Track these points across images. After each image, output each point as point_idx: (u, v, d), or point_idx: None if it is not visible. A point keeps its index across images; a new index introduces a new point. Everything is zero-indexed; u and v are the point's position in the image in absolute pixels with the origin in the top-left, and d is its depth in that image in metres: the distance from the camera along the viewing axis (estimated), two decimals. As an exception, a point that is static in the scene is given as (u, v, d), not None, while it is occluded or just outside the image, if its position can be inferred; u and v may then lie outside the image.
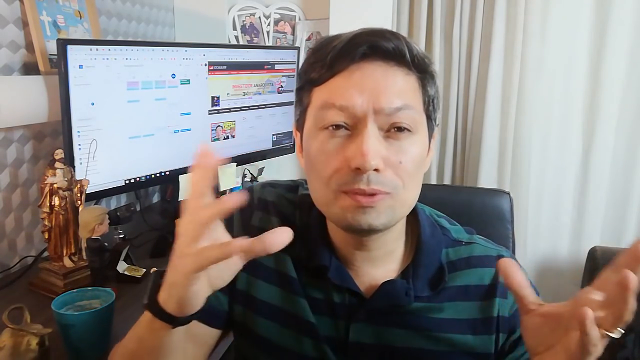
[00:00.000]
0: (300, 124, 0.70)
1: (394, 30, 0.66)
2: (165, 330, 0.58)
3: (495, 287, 0.71)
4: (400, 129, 0.62)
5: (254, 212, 0.76)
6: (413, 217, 0.73)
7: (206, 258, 0.50)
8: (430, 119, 0.67)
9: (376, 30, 0.63)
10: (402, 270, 0.71)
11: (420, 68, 0.65)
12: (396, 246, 0.73)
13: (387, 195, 0.61)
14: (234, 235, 0.72)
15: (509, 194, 1.12)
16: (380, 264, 0.72)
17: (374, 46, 0.62)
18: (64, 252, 1.18)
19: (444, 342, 0.69)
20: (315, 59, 0.65)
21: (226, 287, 0.69)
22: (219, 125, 1.70)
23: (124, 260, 1.28)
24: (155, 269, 0.62)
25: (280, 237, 0.47)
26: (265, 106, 1.86)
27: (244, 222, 0.76)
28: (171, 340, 0.61)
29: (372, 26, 0.65)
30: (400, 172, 0.62)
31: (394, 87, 0.62)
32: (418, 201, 0.72)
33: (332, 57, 0.63)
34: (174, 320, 0.56)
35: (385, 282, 0.69)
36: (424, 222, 0.73)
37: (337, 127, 0.62)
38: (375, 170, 0.60)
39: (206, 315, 0.71)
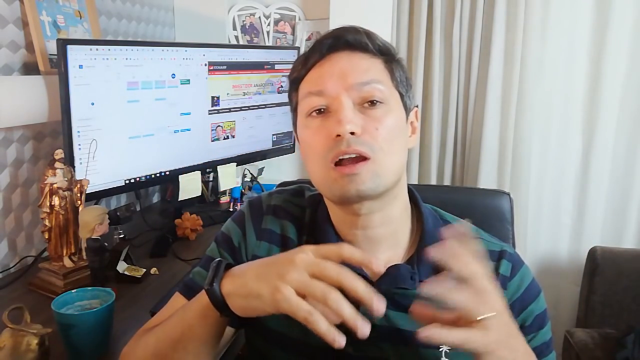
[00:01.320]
0: (295, 123, 0.78)
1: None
2: (218, 321, 0.65)
3: (496, 279, 0.73)
4: (372, 103, 0.70)
5: (264, 217, 0.81)
6: (417, 210, 0.79)
7: (300, 316, 0.56)
8: (403, 95, 0.74)
9: (341, 27, 0.73)
10: (407, 258, 0.76)
11: (384, 53, 0.73)
12: (399, 229, 0.76)
13: (369, 160, 0.67)
14: (246, 240, 0.79)
15: (509, 194, 1.11)
16: (385, 247, 0.75)
17: (336, 37, 0.72)
18: (64, 252, 1.18)
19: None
20: (295, 63, 0.76)
21: None
22: (219, 125, 1.70)
23: (124, 260, 1.28)
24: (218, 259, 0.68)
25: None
26: (265, 106, 1.86)
27: (255, 226, 0.81)
28: (218, 332, 0.68)
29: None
30: (378, 137, 0.68)
31: (360, 67, 0.71)
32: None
33: (305, 56, 0.74)
34: (231, 316, 0.63)
35: (391, 266, 0.73)
36: (427, 213, 0.78)
37: (319, 111, 0.71)
38: (352, 134, 0.67)
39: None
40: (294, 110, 0.77)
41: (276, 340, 0.76)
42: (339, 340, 0.54)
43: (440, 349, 0.71)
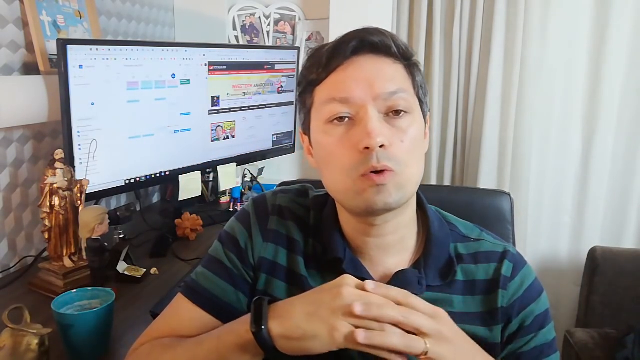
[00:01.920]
0: (306, 126, 0.75)
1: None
2: (258, 355, 0.64)
3: (497, 280, 0.73)
4: (397, 112, 0.68)
5: (270, 217, 0.80)
6: (423, 213, 0.78)
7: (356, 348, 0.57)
8: (422, 102, 0.73)
9: (363, 28, 0.70)
10: (414, 262, 0.75)
11: (406, 57, 0.71)
12: (407, 234, 0.76)
13: (393, 172, 0.66)
14: (252, 241, 0.77)
15: (509, 194, 1.11)
16: (393, 252, 0.75)
17: (362, 40, 0.69)
18: (64, 252, 1.18)
19: None
20: (312, 62, 0.72)
21: (248, 289, 0.77)
22: (219, 125, 1.70)
23: (124, 260, 1.28)
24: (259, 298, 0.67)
25: None
26: (265, 106, 1.86)
27: (261, 227, 0.79)
28: None
29: (370, 26, 0.71)
30: (402, 149, 0.67)
31: (386, 75, 0.68)
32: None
33: (327, 57, 0.69)
34: (274, 351, 0.62)
35: (399, 271, 0.72)
36: (433, 217, 0.77)
37: (341, 118, 0.68)
38: (382, 147, 0.65)
39: (229, 317, 0.74)
40: (308, 113, 0.74)
41: None
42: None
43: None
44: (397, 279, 0.72)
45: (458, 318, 0.70)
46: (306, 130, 0.75)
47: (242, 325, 0.64)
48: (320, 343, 0.59)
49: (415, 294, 0.70)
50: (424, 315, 0.60)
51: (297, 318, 0.61)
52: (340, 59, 0.69)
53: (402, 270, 0.73)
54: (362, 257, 0.75)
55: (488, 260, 0.75)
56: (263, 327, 0.61)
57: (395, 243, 0.74)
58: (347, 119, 0.68)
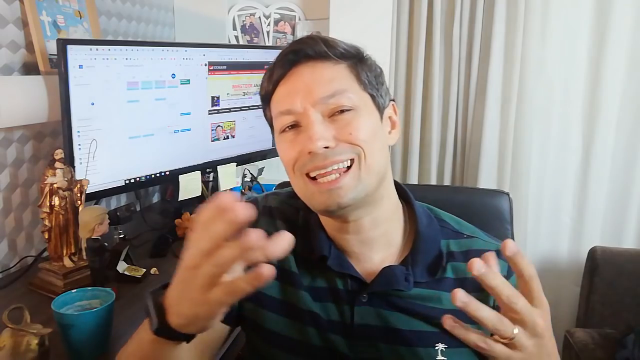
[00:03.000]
0: (274, 137, 0.79)
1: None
2: (177, 345, 0.59)
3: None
4: (342, 111, 0.70)
5: (260, 218, 0.82)
6: (410, 210, 0.79)
7: (240, 291, 0.48)
8: (374, 96, 0.74)
9: (299, 40, 0.74)
10: (401, 259, 0.75)
11: (347, 57, 0.73)
12: (390, 229, 0.76)
13: (351, 166, 0.68)
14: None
15: (508, 194, 1.12)
16: (378, 248, 0.75)
17: (296, 52, 0.72)
18: (64, 252, 1.18)
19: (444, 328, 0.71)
20: (263, 79, 0.77)
21: None
22: (219, 125, 1.70)
23: (124, 260, 1.28)
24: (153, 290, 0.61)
25: (280, 243, 0.48)
26: (265, 106, 1.86)
27: (251, 227, 0.78)
28: (182, 351, 0.62)
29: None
30: (354, 141, 0.69)
31: (323, 79, 0.71)
32: (417, 201, 0.78)
33: (269, 73, 0.75)
34: (188, 338, 0.58)
35: (385, 267, 0.73)
36: (420, 213, 0.78)
37: (291, 127, 0.72)
38: (326, 147, 0.68)
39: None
40: (271, 126, 0.78)
41: (275, 341, 0.77)
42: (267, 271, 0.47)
43: (437, 348, 0.72)
44: (384, 275, 0.73)
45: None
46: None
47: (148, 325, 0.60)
48: (202, 321, 0.54)
49: (402, 291, 0.72)
50: (526, 303, 0.55)
51: (182, 306, 0.54)
52: (280, 71, 0.73)
53: (389, 266, 0.74)
54: (348, 255, 0.76)
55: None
56: (156, 327, 0.56)
57: (378, 238, 0.75)
58: (295, 127, 0.72)
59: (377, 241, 0.75)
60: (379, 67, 0.78)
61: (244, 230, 0.47)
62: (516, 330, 0.54)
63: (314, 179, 0.70)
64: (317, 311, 0.75)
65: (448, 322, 0.54)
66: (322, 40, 0.73)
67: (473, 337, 0.54)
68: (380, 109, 0.75)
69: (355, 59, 0.74)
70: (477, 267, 0.52)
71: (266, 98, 0.77)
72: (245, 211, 0.47)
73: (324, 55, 0.72)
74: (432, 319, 0.72)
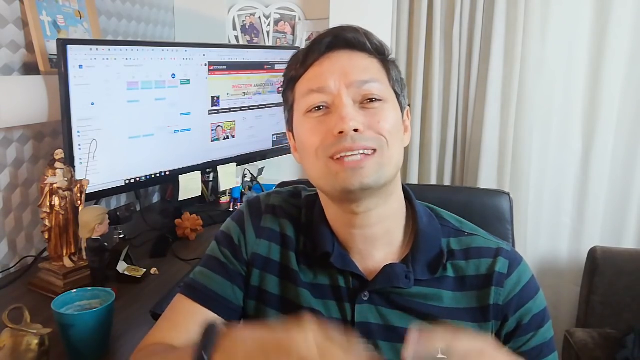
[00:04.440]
0: (290, 123, 0.78)
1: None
2: None
3: (491, 276, 0.73)
4: (372, 100, 0.71)
5: (263, 216, 0.82)
6: (411, 208, 0.79)
7: None
8: (398, 95, 0.75)
9: (339, 26, 0.74)
10: (402, 257, 0.76)
11: (380, 52, 0.74)
12: (393, 227, 0.76)
13: (374, 153, 0.68)
14: (245, 237, 0.79)
15: (508, 194, 1.11)
16: (380, 245, 0.76)
17: (336, 37, 0.72)
18: (64, 252, 1.18)
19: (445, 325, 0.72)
20: (292, 61, 0.76)
21: (242, 283, 0.78)
22: (219, 125, 1.70)
23: (124, 260, 1.28)
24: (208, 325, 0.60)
25: None
26: (265, 106, 1.86)
27: (254, 225, 0.81)
28: None
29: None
30: (381, 130, 0.70)
31: (360, 66, 0.72)
32: (418, 200, 0.79)
33: (304, 54, 0.74)
34: None
35: (387, 265, 0.74)
36: (421, 212, 0.79)
37: (318, 108, 0.71)
38: (356, 130, 0.68)
39: (227, 311, 0.78)
40: (290, 109, 0.77)
41: None
42: None
43: (437, 346, 0.72)
44: (385, 273, 0.73)
45: (447, 313, 0.73)
46: (290, 127, 0.78)
47: (191, 350, 0.59)
48: None
49: (402, 288, 0.72)
50: None
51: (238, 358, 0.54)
52: (316, 54, 0.72)
53: (390, 264, 0.74)
54: (350, 252, 0.76)
55: (480, 256, 0.75)
56: (205, 354, 0.56)
57: (382, 235, 0.75)
58: (323, 108, 0.71)
59: (380, 238, 0.76)
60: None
61: None
62: None
63: (335, 160, 0.69)
64: (318, 308, 0.75)
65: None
66: (362, 31, 0.74)
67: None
68: (402, 109, 0.76)
69: (385, 57, 0.75)
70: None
71: (294, 79, 0.75)
72: None
73: (361, 45, 0.73)
74: (433, 317, 0.72)
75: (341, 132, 0.67)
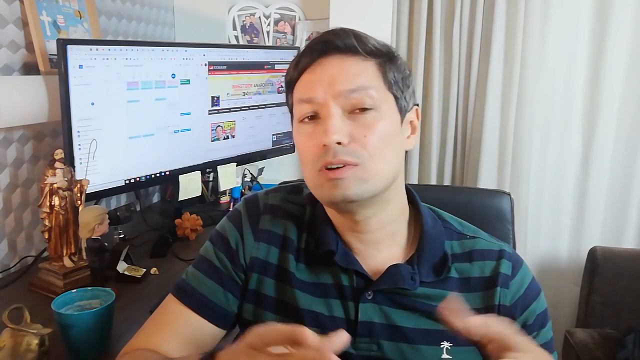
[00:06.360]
0: (292, 124, 0.77)
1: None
2: None
3: (496, 277, 0.74)
4: (363, 109, 0.69)
5: (262, 216, 0.80)
6: (416, 211, 0.79)
7: None
8: (397, 97, 0.73)
9: (331, 31, 0.73)
10: (407, 258, 0.76)
11: (377, 54, 0.72)
12: (397, 230, 0.76)
13: (355, 166, 0.67)
14: (244, 241, 0.78)
15: (509, 194, 1.11)
16: (383, 247, 0.76)
17: (326, 42, 0.71)
18: (64, 252, 1.18)
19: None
20: (290, 65, 0.76)
21: (238, 290, 0.77)
22: (219, 125, 1.70)
23: (124, 260, 1.28)
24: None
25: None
26: (265, 106, 1.86)
27: (252, 227, 0.79)
28: None
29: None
30: (366, 144, 0.68)
31: (349, 73, 0.70)
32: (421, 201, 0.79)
33: (296, 60, 0.74)
34: None
35: (392, 265, 0.73)
36: (426, 214, 0.78)
37: (311, 117, 0.71)
38: (339, 143, 0.67)
39: (216, 316, 0.77)
40: (291, 112, 0.77)
41: None
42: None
43: (442, 346, 0.72)
44: (390, 273, 0.73)
45: None
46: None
47: None
48: None
49: (407, 289, 0.72)
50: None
51: None
52: (307, 60, 0.72)
53: (396, 264, 0.74)
54: (354, 251, 0.76)
55: (483, 258, 0.76)
56: None
57: (385, 239, 0.75)
58: (314, 118, 0.71)
59: (383, 241, 0.76)
60: (408, 69, 0.77)
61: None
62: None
63: (323, 171, 0.69)
64: (318, 309, 0.74)
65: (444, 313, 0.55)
66: (353, 34, 0.72)
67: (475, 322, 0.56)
68: (402, 112, 0.74)
69: (385, 58, 0.73)
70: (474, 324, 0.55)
71: (290, 84, 0.76)
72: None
73: (353, 49, 0.71)
74: (437, 316, 0.72)
75: (325, 145, 0.67)
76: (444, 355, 0.71)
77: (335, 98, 0.69)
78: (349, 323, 0.73)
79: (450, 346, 0.71)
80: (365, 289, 0.74)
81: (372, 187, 0.69)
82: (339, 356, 0.73)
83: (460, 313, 0.57)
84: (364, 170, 0.68)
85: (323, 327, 0.73)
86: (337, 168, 0.67)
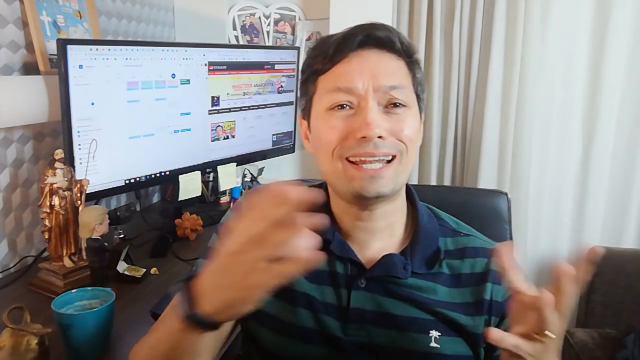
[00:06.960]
0: (306, 112, 0.78)
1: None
2: (204, 333, 0.58)
3: (487, 274, 0.76)
4: (396, 105, 0.71)
5: None
6: (413, 206, 0.81)
7: (289, 274, 0.49)
8: (419, 99, 0.76)
9: (369, 23, 0.74)
10: (401, 249, 0.78)
11: (408, 54, 0.74)
12: (395, 221, 0.78)
13: (393, 159, 0.70)
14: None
15: (506, 194, 1.12)
16: (380, 237, 0.78)
17: (368, 35, 0.72)
18: (64, 252, 1.18)
19: (438, 315, 0.74)
20: (317, 52, 0.75)
21: None
22: (219, 125, 1.70)
23: (124, 260, 1.28)
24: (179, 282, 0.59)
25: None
26: (265, 106, 1.86)
27: None
28: (208, 340, 0.62)
29: (377, 21, 0.75)
30: (403, 138, 0.71)
31: (388, 69, 0.72)
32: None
33: (333, 49, 0.73)
34: (217, 326, 0.57)
35: (386, 255, 0.75)
36: (422, 210, 0.81)
37: (342, 106, 0.71)
38: (380, 137, 0.69)
39: None
40: (309, 100, 0.77)
41: (267, 322, 0.77)
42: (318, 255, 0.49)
43: (430, 335, 0.73)
44: (384, 262, 0.75)
45: (442, 305, 0.74)
46: (306, 115, 0.79)
47: (177, 312, 0.58)
48: (239, 306, 0.53)
49: (399, 278, 0.74)
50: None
51: (220, 293, 0.53)
52: (345, 51, 0.72)
53: (389, 254, 0.75)
54: (350, 240, 0.78)
55: (475, 255, 0.77)
56: (193, 314, 0.55)
57: (384, 228, 0.77)
58: (347, 108, 0.71)
59: (381, 231, 0.77)
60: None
61: (295, 215, 0.48)
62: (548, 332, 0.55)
63: (353, 163, 0.70)
64: (312, 293, 0.76)
65: (492, 335, 0.54)
66: (394, 30, 0.73)
67: (511, 340, 0.55)
68: (421, 112, 0.77)
69: (411, 59, 0.75)
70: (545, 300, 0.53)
71: (318, 72, 0.75)
72: (301, 192, 0.48)
73: (391, 45, 0.72)
74: (427, 306, 0.74)
75: (364, 137, 0.68)
76: (432, 344, 0.73)
77: (375, 91, 0.70)
78: (340, 309, 0.75)
79: (438, 335, 0.73)
80: (358, 276, 0.75)
81: (403, 180, 0.72)
82: (330, 342, 0.74)
83: (512, 262, 0.56)
84: (400, 163, 0.70)
85: (315, 310, 0.75)
86: (374, 166, 0.69)
